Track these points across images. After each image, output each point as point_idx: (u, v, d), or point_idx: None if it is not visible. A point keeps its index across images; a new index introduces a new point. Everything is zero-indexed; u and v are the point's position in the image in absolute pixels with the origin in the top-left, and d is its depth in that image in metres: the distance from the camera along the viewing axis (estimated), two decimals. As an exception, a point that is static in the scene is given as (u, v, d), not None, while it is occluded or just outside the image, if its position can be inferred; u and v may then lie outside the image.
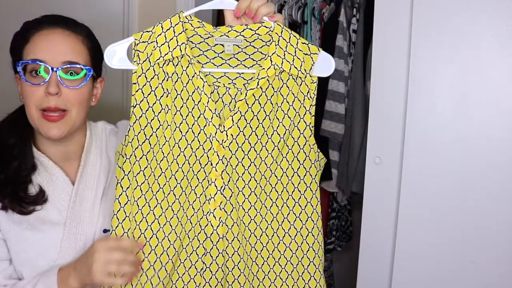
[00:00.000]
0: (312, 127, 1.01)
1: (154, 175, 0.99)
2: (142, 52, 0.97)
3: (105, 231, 1.09)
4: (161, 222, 1.00)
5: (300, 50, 0.98)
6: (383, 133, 1.38)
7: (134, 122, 0.98)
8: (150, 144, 0.99)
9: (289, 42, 0.98)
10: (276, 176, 1.01)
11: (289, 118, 1.00)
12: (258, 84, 0.96)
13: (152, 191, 0.99)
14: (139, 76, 0.97)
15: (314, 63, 0.98)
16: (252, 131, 0.99)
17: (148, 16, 1.86)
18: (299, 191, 1.01)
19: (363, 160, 1.44)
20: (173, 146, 0.98)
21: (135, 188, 0.99)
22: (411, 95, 1.32)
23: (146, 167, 0.99)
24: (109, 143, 1.17)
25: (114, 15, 1.89)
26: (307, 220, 1.02)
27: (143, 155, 0.99)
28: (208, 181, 0.98)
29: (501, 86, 1.25)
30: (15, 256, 1.04)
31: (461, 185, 1.30)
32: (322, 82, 2.01)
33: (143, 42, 0.97)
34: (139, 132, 0.98)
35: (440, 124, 1.30)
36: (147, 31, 0.97)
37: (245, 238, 1.01)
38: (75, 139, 1.11)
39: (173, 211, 1.00)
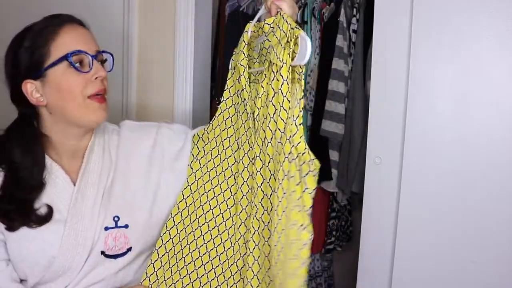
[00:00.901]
0: (286, 109, 0.96)
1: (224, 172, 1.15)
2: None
3: (106, 228, 1.10)
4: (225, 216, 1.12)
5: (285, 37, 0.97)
6: (383, 133, 1.38)
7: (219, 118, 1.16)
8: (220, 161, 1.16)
9: (282, 29, 0.96)
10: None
11: (265, 106, 1.03)
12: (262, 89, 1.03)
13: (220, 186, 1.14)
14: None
15: (293, 50, 0.94)
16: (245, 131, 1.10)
17: (148, 16, 1.86)
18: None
19: (363, 160, 1.44)
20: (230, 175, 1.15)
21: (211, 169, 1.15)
22: (411, 95, 1.32)
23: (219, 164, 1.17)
24: (111, 142, 1.18)
25: (114, 15, 1.89)
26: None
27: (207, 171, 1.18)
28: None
29: (501, 86, 1.25)
30: (17, 252, 1.05)
31: (461, 185, 1.30)
32: (323, 82, 2.02)
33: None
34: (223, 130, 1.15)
35: (440, 124, 1.30)
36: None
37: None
38: (88, 135, 1.14)
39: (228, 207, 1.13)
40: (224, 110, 1.13)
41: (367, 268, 1.44)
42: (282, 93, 0.94)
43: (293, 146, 0.93)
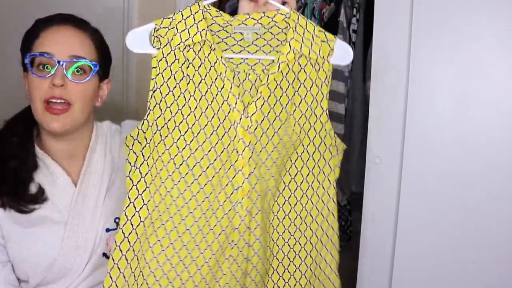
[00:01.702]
0: (328, 112, 1.02)
1: (174, 162, 0.94)
2: (163, 37, 0.95)
3: (108, 230, 1.10)
4: (183, 214, 0.95)
5: (317, 36, 0.98)
6: (383, 133, 1.38)
7: (154, 106, 0.95)
8: (169, 129, 0.94)
9: (306, 28, 0.98)
10: (297, 160, 1.01)
11: (306, 103, 1.00)
12: (279, 68, 0.96)
13: (172, 179, 0.94)
14: (160, 60, 0.95)
15: (331, 49, 0.99)
16: (276, 116, 0.98)
17: (148, 15, 1.86)
18: (314, 175, 1.02)
19: (363, 160, 1.44)
20: (198, 133, 0.95)
21: (155, 176, 0.94)
22: (411, 95, 1.32)
23: (164, 152, 0.94)
24: (113, 143, 1.18)
25: (114, 15, 1.89)
26: (323, 207, 1.03)
27: (161, 140, 0.95)
28: (235, 169, 0.95)
29: (501, 86, 1.25)
30: (18, 253, 1.05)
31: (461, 185, 1.29)
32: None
33: (163, 27, 0.95)
34: (159, 117, 0.95)
35: (440, 124, 1.30)
36: (167, 18, 0.96)
37: (270, 224, 1.00)
38: (79, 137, 1.12)
39: (196, 201, 0.95)
40: (161, 100, 0.95)
41: (367, 268, 1.44)
42: (322, 85, 1.01)
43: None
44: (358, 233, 1.47)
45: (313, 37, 0.98)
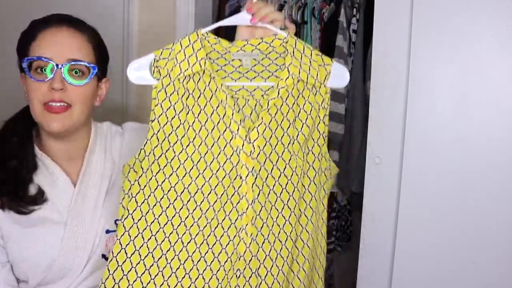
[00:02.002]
0: (326, 136, 1.02)
1: (175, 190, 0.94)
2: (163, 68, 0.96)
3: (107, 231, 1.10)
4: (185, 241, 0.93)
5: (314, 60, 0.99)
6: (383, 133, 1.38)
7: (152, 136, 0.96)
8: (167, 159, 0.95)
9: (303, 53, 0.99)
10: (303, 186, 1.00)
11: (308, 127, 1.00)
12: (278, 94, 0.97)
13: (174, 207, 0.94)
14: (159, 91, 0.97)
15: (328, 73, 0.99)
16: (278, 141, 0.98)
17: (148, 18, 1.86)
18: (316, 200, 1.02)
19: (363, 160, 1.44)
20: (198, 161, 0.95)
21: (155, 205, 0.94)
22: (411, 95, 1.32)
23: (164, 180, 0.94)
24: (113, 144, 1.17)
25: (115, 15, 1.89)
26: (320, 226, 1.03)
27: (160, 169, 0.95)
28: (239, 195, 0.95)
29: (501, 86, 1.25)
30: (18, 253, 1.05)
31: (461, 185, 1.29)
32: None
33: (163, 58, 0.97)
34: (156, 146, 0.95)
35: (440, 124, 1.30)
36: (167, 48, 0.97)
37: (280, 250, 0.97)
38: (78, 138, 1.12)
39: (199, 226, 0.94)
40: (159, 130, 0.96)
41: (367, 268, 1.44)
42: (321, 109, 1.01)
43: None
44: (358, 233, 1.47)
45: (310, 62, 0.99)
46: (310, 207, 1.01)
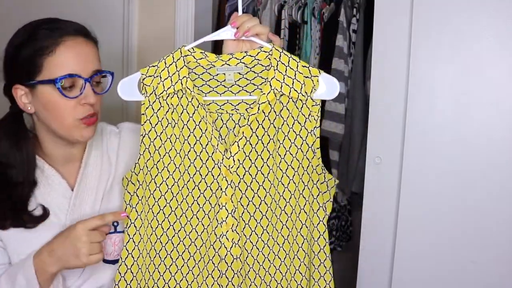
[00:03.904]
0: (317, 148, 1.02)
1: (165, 199, 1.03)
2: (149, 86, 1.02)
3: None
4: (175, 242, 1.04)
5: (300, 73, 0.98)
6: (383, 133, 1.38)
7: (144, 151, 1.03)
8: (158, 170, 1.03)
9: (288, 65, 0.98)
10: (285, 198, 1.02)
11: (289, 140, 1.01)
12: (259, 109, 0.98)
13: (164, 213, 1.03)
14: (147, 108, 1.03)
15: (314, 85, 0.99)
16: (258, 155, 1.01)
17: (148, 17, 1.86)
18: (304, 211, 1.03)
19: (363, 160, 1.44)
20: (183, 173, 1.02)
21: (148, 212, 1.04)
22: (411, 95, 1.32)
23: (155, 190, 1.03)
24: (109, 144, 1.17)
25: (115, 15, 1.89)
26: (315, 238, 1.04)
27: (152, 179, 1.03)
28: (219, 205, 1.01)
29: (501, 86, 1.25)
30: (16, 256, 1.05)
31: (461, 185, 1.30)
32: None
33: (149, 76, 1.02)
34: (149, 159, 1.03)
35: (440, 124, 1.30)
36: (152, 66, 1.02)
37: (257, 257, 1.03)
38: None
39: (185, 231, 1.03)
40: (149, 144, 1.03)
41: (367, 268, 1.44)
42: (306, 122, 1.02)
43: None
44: (358, 233, 1.47)
45: (295, 74, 0.98)
46: (299, 219, 1.03)
